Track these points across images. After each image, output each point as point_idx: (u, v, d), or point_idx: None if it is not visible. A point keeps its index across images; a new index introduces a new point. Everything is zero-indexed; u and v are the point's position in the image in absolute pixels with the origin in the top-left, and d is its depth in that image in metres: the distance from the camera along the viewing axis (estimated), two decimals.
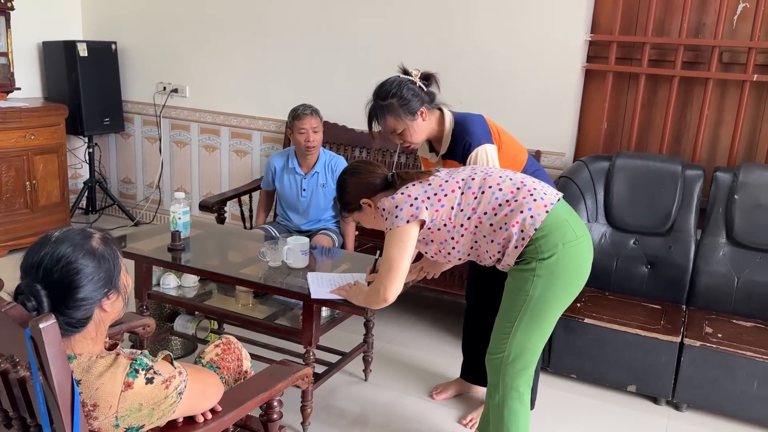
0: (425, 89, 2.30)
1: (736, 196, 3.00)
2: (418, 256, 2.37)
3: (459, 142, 2.33)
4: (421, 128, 2.32)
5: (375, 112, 2.29)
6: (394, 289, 2.03)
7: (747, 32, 3.17)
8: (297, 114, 3.28)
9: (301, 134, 3.26)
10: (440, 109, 2.38)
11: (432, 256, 2.15)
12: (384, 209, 2.04)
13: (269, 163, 3.49)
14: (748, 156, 3.29)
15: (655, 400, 2.84)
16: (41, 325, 1.17)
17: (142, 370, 1.33)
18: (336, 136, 4.01)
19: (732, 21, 3.22)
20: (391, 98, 2.24)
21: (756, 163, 3.17)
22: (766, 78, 3.13)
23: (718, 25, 3.16)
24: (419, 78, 2.29)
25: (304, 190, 3.40)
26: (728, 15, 3.19)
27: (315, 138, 3.28)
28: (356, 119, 3.95)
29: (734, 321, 2.89)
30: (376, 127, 2.32)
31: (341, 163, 3.39)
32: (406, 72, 2.30)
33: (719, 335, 2.73)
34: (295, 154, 3.41)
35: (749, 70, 3.13)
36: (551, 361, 2.94)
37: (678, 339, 2.70)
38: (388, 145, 3.58)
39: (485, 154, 2.28)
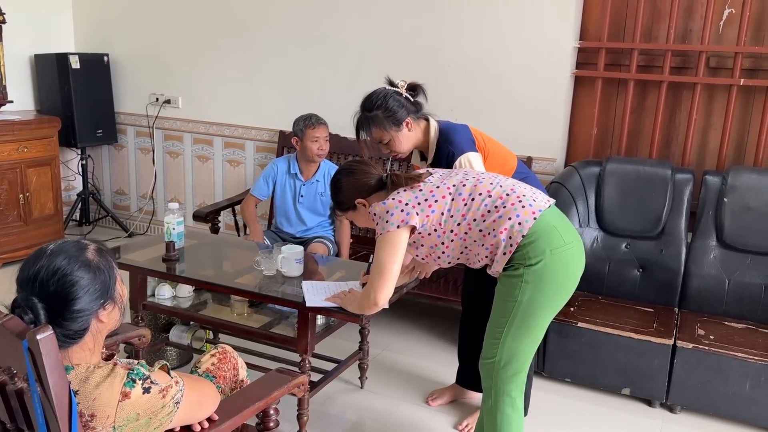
0: (411, 100, 2.35)
1: (725, 199, 3.03)
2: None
3: (443, 152, 2.39)
4: (406, 138, 2.37)
5: (361, 124, 2.36)
6: (384, 293, 2.05)
7: (733, 37, 3.22)
8: (311, 122, 3.34)
9: (315, 142, 3.32)
10: (427, 119, 2.43)
11: (422, 259, 2.17)
12: (375, 214, 2.06)
13: (272, 168, 3.49)
14: (736, 159, 3.32)
15: (649, 403, 2.86)
16: (39, 337, 1.17)
17: (139, 379, 1.34)
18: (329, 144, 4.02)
19: (718, 26, 3.26)
20: (377, 110, 2.31)
21: (744, 166, 3.21)
22: (753, 82, 3.17)
23: (704, 31, 3.20)
24: (405, 89, 2.35)
25: (302, 196, 3.43)
26: (714, 21, 3.23)
27: (325, 147, 3.36)
28: (349, 128, 3.92)
29: (726, 323, 2.92)
30: (363, 137, 2.38)
31: None
32: (392, 83, 2.36)
33: (711, 337, 2.76)
34: (297, 161, 3.43)
35: (736, 74, 3.17)
36: (545, 366, 2.96)
37: (671, 341, 2.72)
38: (377, 154, 3.61)
39: (468, 162, 2.33)
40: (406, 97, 2.34)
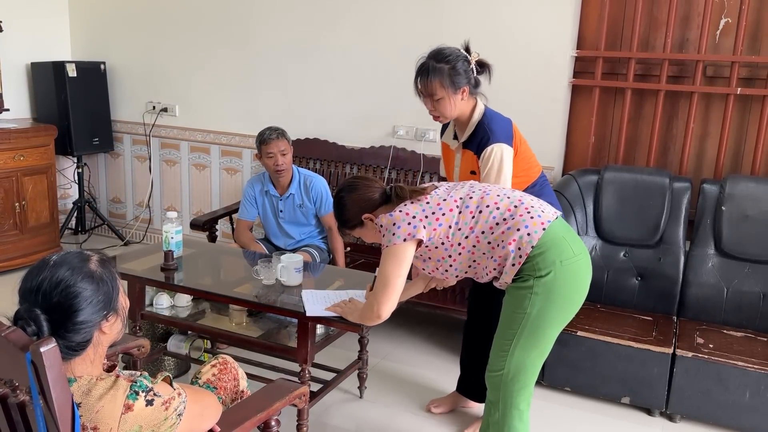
0: (475, 73, 2.33)
1: (723, 208, 3.04)
2: None
3: (479, 134, 2.37)
4: (457, 104, 2.35)
5: (425, 70, 2.31)
6: (388, 306, 2.04)
7: (730, 46, 3.24)
8: (263, 139, 3.27)
9: (270, 158, 3.27)
10: (476, 99, 2.41)
11: (429, 273, 2.16)
12: (382, 226, 2.05)
13: (249, 190, 3.45)
14: (734, 168, 3.34)
15: (648, 412, 2.86)
16: (42, 349, 1.17)
17: (142, 392, 1.33)
18: (327, 153, 4.03)
19: (715, 36, 3.28)
20: (445, 64, 2.29)
21: (742, 174, 3.22)
22: (750, 91, 3.18)
23: (701, 40, 3.22)
24: (475, 62, 2.33)
25: (282, 211, 3.41)
26: (711, 30, 3.25)
27: (284, 161, 3.27)
28: (347, 135, 3.97)
29: (725, 331, 2.92)
30: (419, 84, 2.34)
31: (317, 181, 3.39)
32: (467, 50, 2.34)
33: (710, 346, 2.76)
34: (269, 178, 3.41)
35: (733, 83, 3.19)
36: (545, 375, 2.95)
37: (670, 350, 2.72)
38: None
39: (500, 152, 2.31)
40: (472, 68, 2.32)
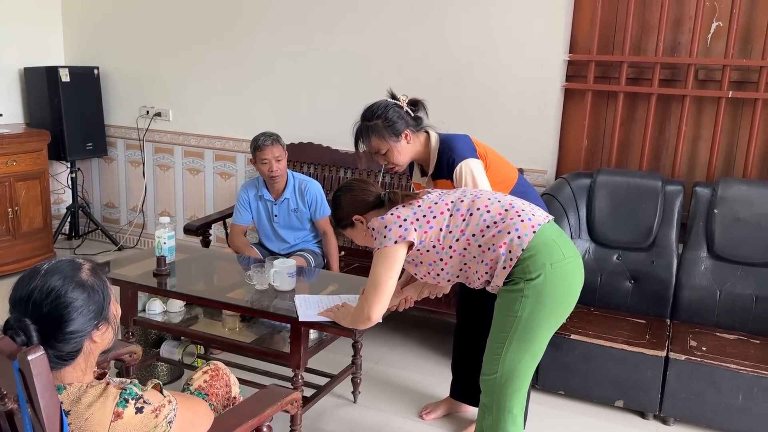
0: (411, 114, 2.36)
1: (715, 211, 3.05)
2: None
3: (443, 159, 2.39)
4: (405, 150, 2.37)
5: (361, 133, 2.36)
6: (378, 308, 2.04)
7: (721, 50, 3.25)
8: (258, 145, 3.27)
9: (264, 164, 3.26)
10: (427, 132, 2.43)
11: (422, 278, 2.16)
12: (373, 228, 2.06)
13: (244, 195, 3.45)
14: (726, 171, 3.35)
15: (642, 415, 2.86)
16: (30, 357, 1.16)
17: (132, 399, 1.32)
18: (320, 157, 4.03)
19: (706, 39, 3.29)
20: (377, 119, 2.32)
21: (734, 177, 3.23)
22: (741, 94, 3.20)
23: (693, 44, 3.23)
24: (407, 103, 2.36)
25: (276, 215, 3.40)
26: (702, 34, 3.26)
27: (278, 167, 3.28)
28: (340, 140, 3.97)
29: (717, 334, 2.93)
30: (361, 147, 2.38)
31: (311, 185, 3.39)
32: (393, 96, 2.37)
33: (703, 348, 2.76)
34: (264, 182, 3.41)
35: (724, 86, 3.20)
36: (539, 378, 2.95)
37: (663, 353, 2.73)
38: (373, 165, 3.61)
39: (469, 168, 2.33)
40: (406, 111, 2.35)
